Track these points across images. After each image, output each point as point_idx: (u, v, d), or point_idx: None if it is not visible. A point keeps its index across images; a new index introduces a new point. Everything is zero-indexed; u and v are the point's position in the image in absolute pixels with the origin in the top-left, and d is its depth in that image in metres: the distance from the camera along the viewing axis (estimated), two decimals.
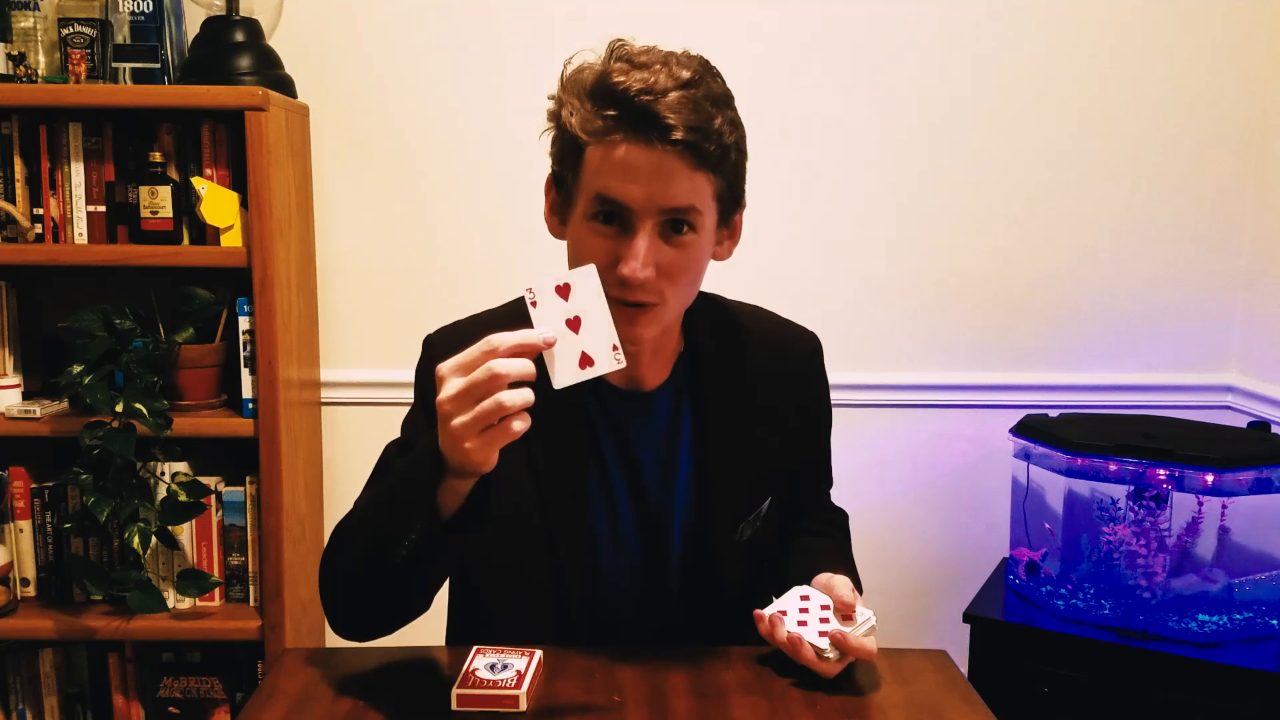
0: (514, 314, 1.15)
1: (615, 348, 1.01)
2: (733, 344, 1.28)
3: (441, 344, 1.26)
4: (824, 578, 1.21)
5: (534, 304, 1.01)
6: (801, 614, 1.17)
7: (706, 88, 1.08)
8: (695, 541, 1.27)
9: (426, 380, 1.19)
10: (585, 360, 1.00)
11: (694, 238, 1.11)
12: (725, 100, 1.11)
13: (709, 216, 1.12)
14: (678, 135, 1.05)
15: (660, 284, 1.10)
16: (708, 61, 1.13)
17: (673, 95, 1.05)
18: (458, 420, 0.96)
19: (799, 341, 1.34)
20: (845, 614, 1.16)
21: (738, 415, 1.26)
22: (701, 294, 1.25)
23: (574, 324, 1.01)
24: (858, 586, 1.23)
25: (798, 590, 1.21)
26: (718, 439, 1.25)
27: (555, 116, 1.14)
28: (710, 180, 1.10)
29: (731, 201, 1.16)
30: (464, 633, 1.37)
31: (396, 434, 1.35)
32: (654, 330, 1.15)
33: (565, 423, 1.20)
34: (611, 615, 1.28)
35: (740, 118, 1.14)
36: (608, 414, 1.24)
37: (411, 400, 1.30)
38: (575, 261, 1.13)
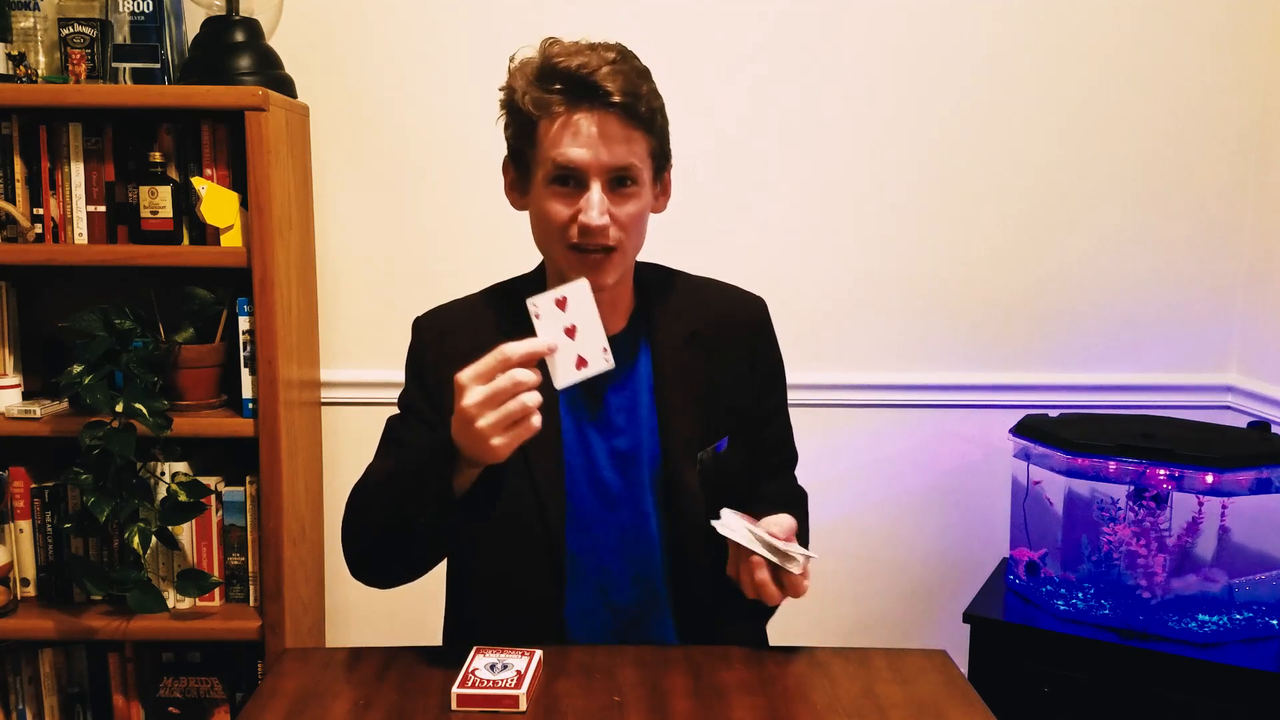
0: (493, 298, 1.42)
1: (605, 350, 1.16)
2: (678, 296, 1.43)
3: (429, 325, 1.42)
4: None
5: (537, 317, 1.15)
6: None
7: (630, 63, 1.27)
8: (664, 475, 1.37)
9: (420, 360, 1.40)
10: (580, 362, 1.16)
11: (636, 189, 1.29)
12: (647, 74, 1.29)
13: (646, 171, 1.30)
14: (615, 99, 1.24)
15: (615, 231, 1.27)
16: (624, 46, 1.30)
17: (605, 69, 1.24)
18: (484, 421, 1.11)
19: (744, 300, 1.48)
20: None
21: (684, 351, 1.39)
22: (653, 265, 1.44)
23: (570, 332, 1.16)
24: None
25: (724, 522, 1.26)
26: (668, 371, 1.38)
27: (508, 103, 1.31)
28: (644, 139, 1.28)
29: (662, 158, 1.34)
30: (460, 593, 1.46)
31: None
32: (614, 275, 1.31)
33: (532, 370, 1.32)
34: (596, 555, 1.36)
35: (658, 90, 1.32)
36: None
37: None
38: (540, 223, 1.31)
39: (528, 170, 1.30)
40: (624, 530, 1.37)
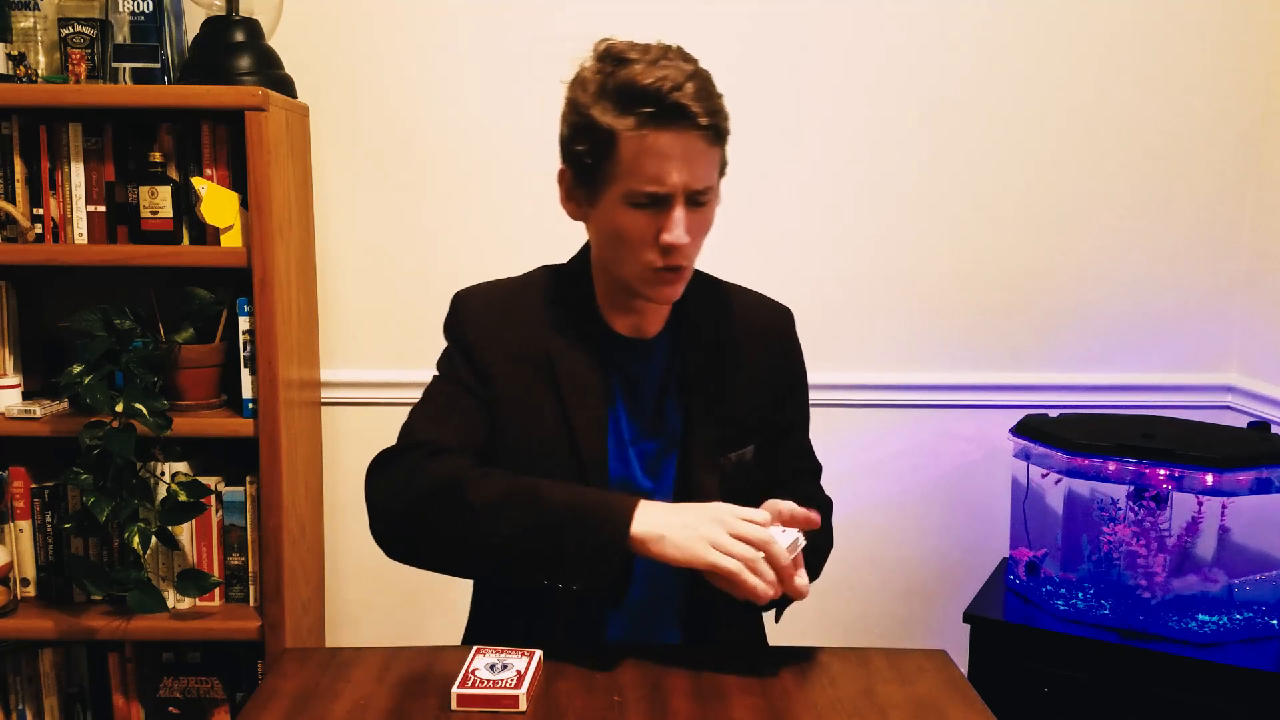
0: (538, 284, 1.40)
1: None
2: (714, 302, 1.44)
3: (472, 301, 1.39)
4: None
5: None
6: None
7: (702, 75, 1.24)
8: (681, 478, 1.37)
9: (464, 336, 1.36)
10: (794, 546, 1.20)
11: (710, 200, 1.29)
12: (713, 80, 1.26)
13: (716, 184, 1.30)
14: (704, 121, 1.21)
15: (689, 247, 1.27)
16: (685, 50, 1.27)
17: (689, 86, 1.20)
18: (716, 535, 1.15)
19: (774, 309, 1.49)
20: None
21: (715, 358, 1.40)
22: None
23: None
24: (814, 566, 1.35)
25: None
26: (697, 377, 1.38)
27: (579, 117, 1.26)
28: (718, 153, 1.27)
29: (724, 167, 1.33)
30: (491, 593, 1.45)
31: (396, 434, 1.36)
32: (682, 287, 1.32)
33: (587, 368, 1.34)
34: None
35: None
36: (616, 360, 1.37)
37: (411, 399, 1.40)
38: (613, 239, 1.29)
39: (597, 184, 1.27)
40: None
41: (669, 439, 1.37)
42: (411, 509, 1.24)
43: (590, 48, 1.27)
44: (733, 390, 1.39)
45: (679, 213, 1.24)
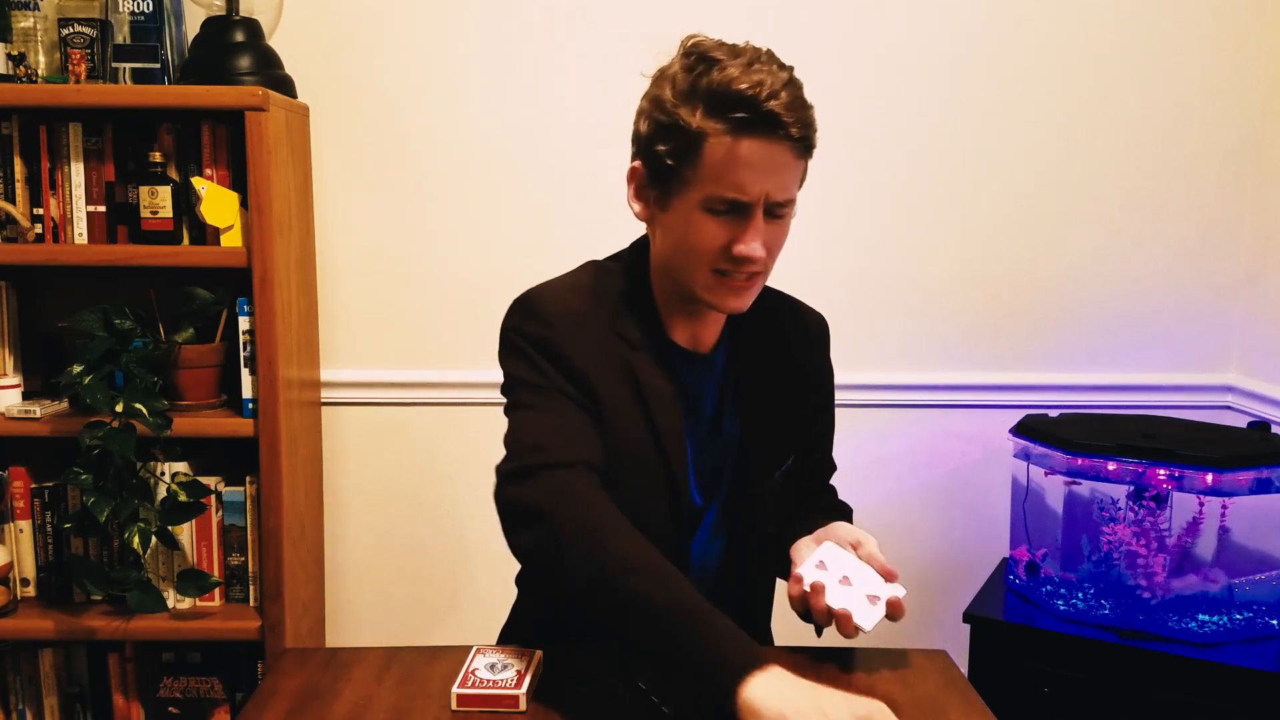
0: (598, 285, 1.31)
1: (885, 578, 1.23)
2: (768, 311, 1.40)
3: (550, 305, 1.29)
4: (842, 528, 1.31)
5: (819, 591, 1.21)
6: (830, 581, 1.24)
7: (796, 84, 1.21)
8: (736, 489, 1.37)
9: (549, 340, 1.26)
10: (872, 599, 1.21)
11: (788, 213, 1.27)
12: (804, 89, 1.23)
13: (796, 196, 1.28)
14: (795, 132, 1.18)
15: (764, 259, 1.24)
16: (774, 53, 1.24)
17: (784, 95, 1.17)
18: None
19: (817, 317, 1.50)
20: (880, 572, 1.24)
21: (773, 369, 1.38)
22: None
23: (846, 580, 1.22)
24: None
25: (813, 560, 1.25)
26: (758, 390, 1.37)
27: (663, 116, 1.21)
28: (803, 166, 1.25)
29: (804, 179, 1.29)
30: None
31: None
32: (752, 299, 1.29)
33: (663, 379, 1.31)
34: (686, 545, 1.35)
35: None
36: (677, 372, 1.34)
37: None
38: (684, 243, 1.24)
39: (673, 185, 1.22)
40: (704, 529, 1.37)
41: (724, 455, 1.36)
42: (547, 537, 1.12)
43: (678, 44, 1.25)
44: (788, 401, 1.38)
45: (757, 223, 1.20)
